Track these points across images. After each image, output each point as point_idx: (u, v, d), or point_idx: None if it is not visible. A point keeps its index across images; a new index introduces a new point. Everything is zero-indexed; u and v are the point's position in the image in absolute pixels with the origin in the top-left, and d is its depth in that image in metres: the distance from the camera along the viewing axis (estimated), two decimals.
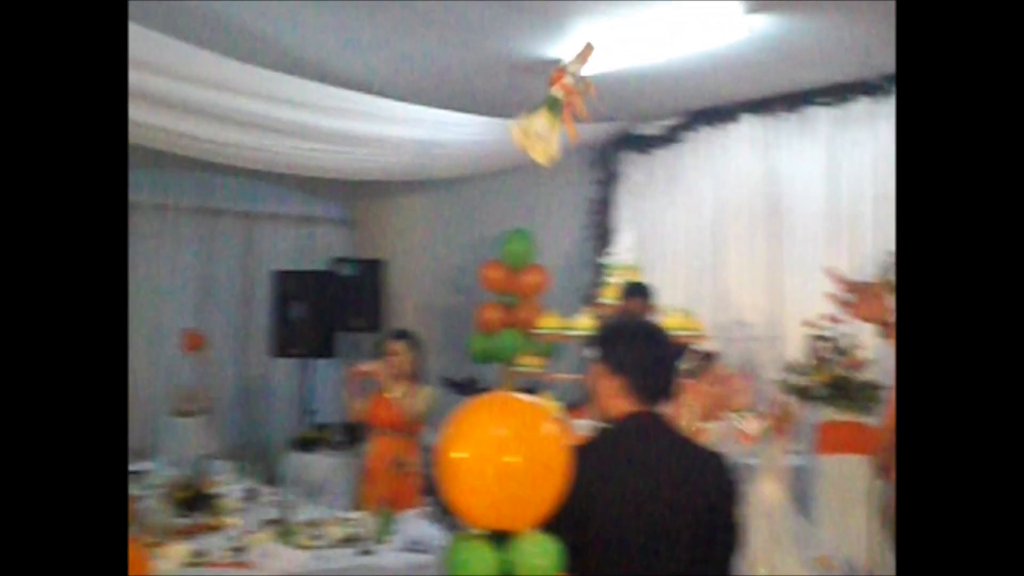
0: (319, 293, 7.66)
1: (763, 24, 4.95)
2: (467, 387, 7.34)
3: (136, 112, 5.15)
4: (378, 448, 5.48)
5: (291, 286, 7.69)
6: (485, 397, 2.38)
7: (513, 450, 2.19)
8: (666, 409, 2.59)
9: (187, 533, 4.29)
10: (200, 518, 4.52)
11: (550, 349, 6.77)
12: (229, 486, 5.12)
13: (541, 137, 3.62)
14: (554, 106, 3.67)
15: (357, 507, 5.10)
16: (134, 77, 4.75)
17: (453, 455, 2.24)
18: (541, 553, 2.27)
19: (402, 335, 5.65)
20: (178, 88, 4.99)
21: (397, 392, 5.45)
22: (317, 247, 8.29)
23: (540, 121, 3.63)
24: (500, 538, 2.26)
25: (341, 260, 7.89)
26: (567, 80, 3.53)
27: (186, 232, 7.92)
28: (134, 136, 5.35)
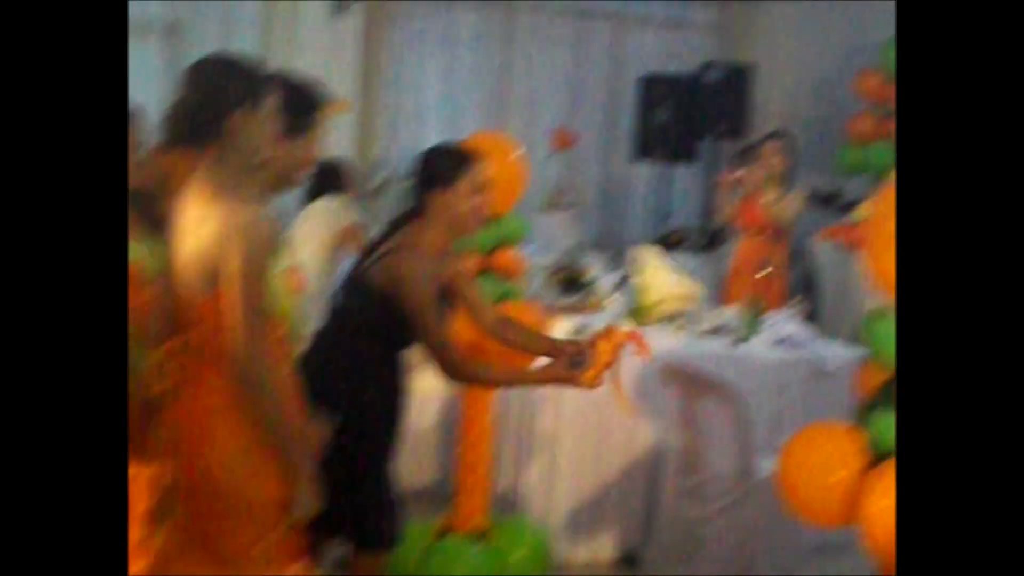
0: (684, 98, 7.63)
1: None
2: (832, 200, 7.18)
3: None
4: (745, 249, 5.54)
5: (657, 90, 7.71)
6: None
7: None
8: None
9: (567, 311, 4.60)
10: (578, 299, 4.83)
11: None
12: (599, 274, 5.38)
13: None
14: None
15: (721, 306, 5.22)
16: None
17: (883, 233, 2.25)
18: None
19: (776, 136, 5.60)
20: None
21: (768, 195, 5.43)
22: (685, 51, 8.21)
23: None
24: None
25: (708, 65, 7.79)
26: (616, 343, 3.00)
27: (558, 33, 8.10)
28: None
